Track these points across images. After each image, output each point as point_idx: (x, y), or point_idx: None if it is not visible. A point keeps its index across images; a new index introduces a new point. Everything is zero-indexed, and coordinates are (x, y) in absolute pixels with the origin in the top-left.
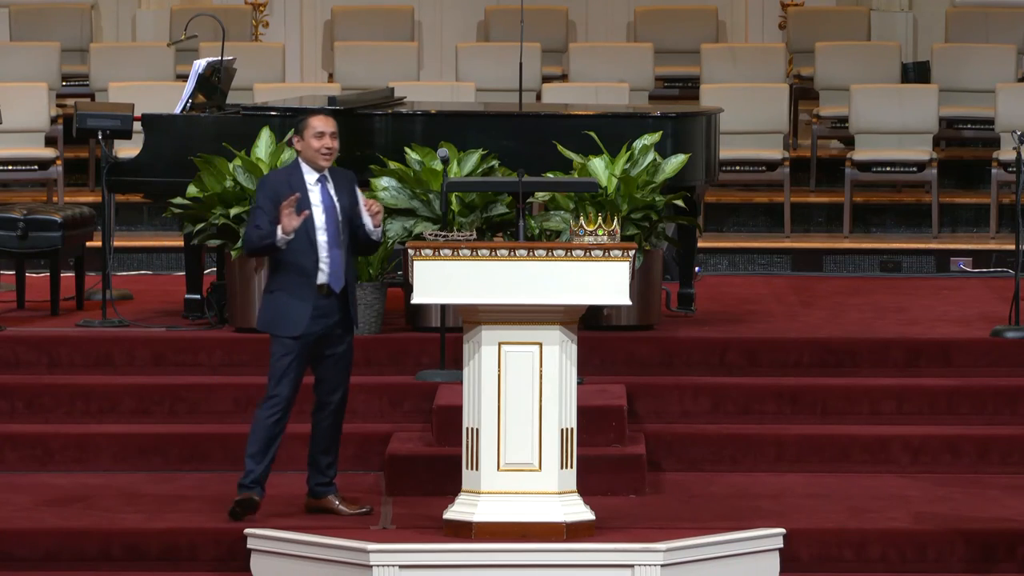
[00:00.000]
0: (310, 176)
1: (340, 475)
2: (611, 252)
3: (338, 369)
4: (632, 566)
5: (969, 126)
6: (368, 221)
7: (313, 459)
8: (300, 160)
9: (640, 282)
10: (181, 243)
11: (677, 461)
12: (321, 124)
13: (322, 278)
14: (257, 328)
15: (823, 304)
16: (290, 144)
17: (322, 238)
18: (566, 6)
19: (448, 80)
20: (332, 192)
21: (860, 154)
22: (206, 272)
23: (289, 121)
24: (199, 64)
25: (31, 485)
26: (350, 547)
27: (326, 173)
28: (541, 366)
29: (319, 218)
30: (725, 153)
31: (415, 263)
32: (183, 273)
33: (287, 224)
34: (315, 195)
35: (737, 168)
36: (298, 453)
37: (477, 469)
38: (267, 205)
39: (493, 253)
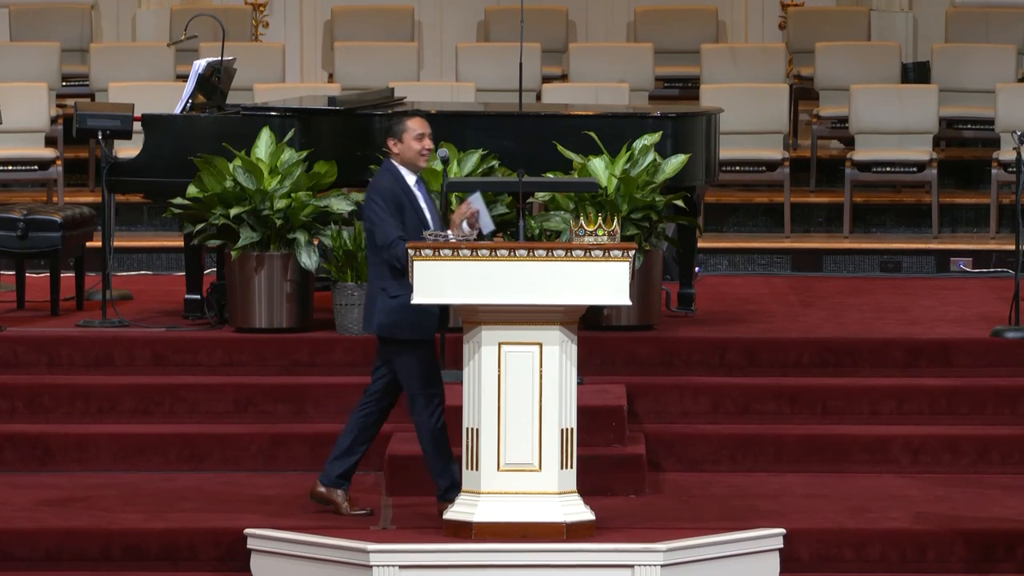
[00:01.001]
0: (410, 178)
1: None
2: (611, 252)
3: None
4: (632, 566)
5: (969, 126)
6: (477, 225)
7: (346, 449)
8: (394, 163)
9: (640, 282)
10: (181, 243)
11: (677, 461)
12: (420, 126)
13: None
14: (374, 333)
15: (823, 304)
16: (383, 149)
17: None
18: (566, 6)
19: (448, 80)
20: (428, 192)
21: (860, 154)
22: (206, 272)
23: (289, 121)
24: (199, 64)
25: (31, 485)
26: (350, 547)
27: (420, 176)
28: (541, 366)
29: (428, 216)
30: (725, 153)
31: (415, 263)
32: (183, 273)
33: (455, 229)
34: (419, 197)
35: (737, 168)
36: (297, 453)
37: (477, 469)
38: (395, 213)
39: (493, 253)
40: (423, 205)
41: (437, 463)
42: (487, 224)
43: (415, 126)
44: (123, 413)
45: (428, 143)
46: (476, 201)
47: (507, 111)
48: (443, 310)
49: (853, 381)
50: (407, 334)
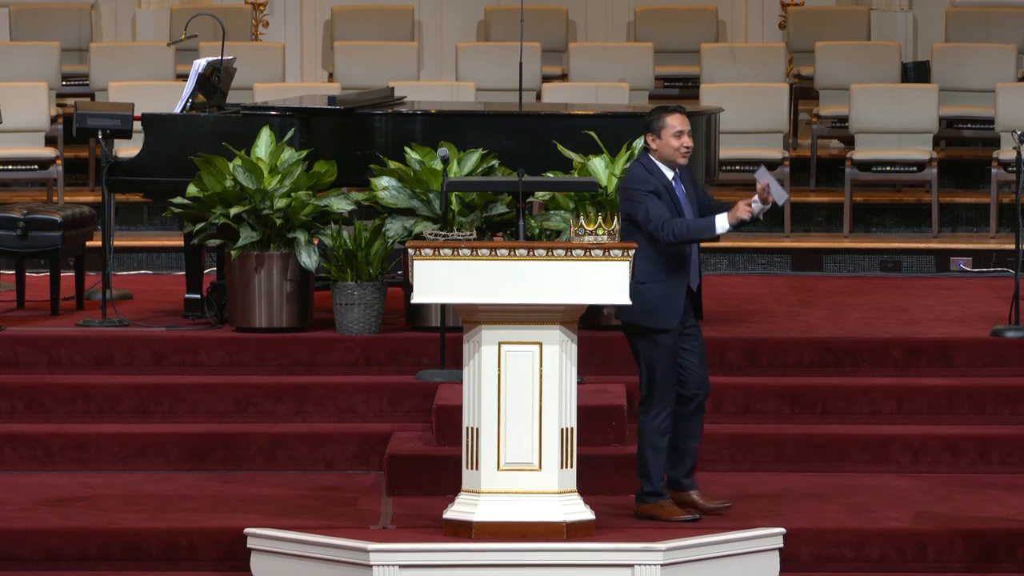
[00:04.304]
0: (668, 173)
1: (339, 474)
2: (611, 252)
3: (699, 362)
4: (632, 566)
5: (969, 126)
6: (770, 198)
7: (680, 454)
8: (652, 158)
9: None
10: (181, 243)
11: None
12: (679, 123)
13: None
14: (619, 319)
15: (823, 304)
16: (644, 144)
17: None
18: (566, 6)
19: (448, 80)
20: (684, 188)
21: (860, 154)
22: (206, 272)
23: (289, 121)
24: (199, 64)
25: (31, 485)
26: (350, 547)
27: (678, 170)
28: (541, 366)
29: (686, 214)
30: (725, 153)
31: (415, 263)
32: (183, 273)
33: (745, 215)
34: (678, 192)
35: (737, 168)
36: (297, 453)
37: (477, 469)
38: (652, 195)
39: (493, 253)
40: (681, 200)
41: (643, 465)
42: (780, 195)
43: (674, 123)
44: (123, 413)
45: (687, 140)
46: (764, 175)
47: (507, 111)
48: (695, 301)
49: (853, 381)
50: (649, 322)
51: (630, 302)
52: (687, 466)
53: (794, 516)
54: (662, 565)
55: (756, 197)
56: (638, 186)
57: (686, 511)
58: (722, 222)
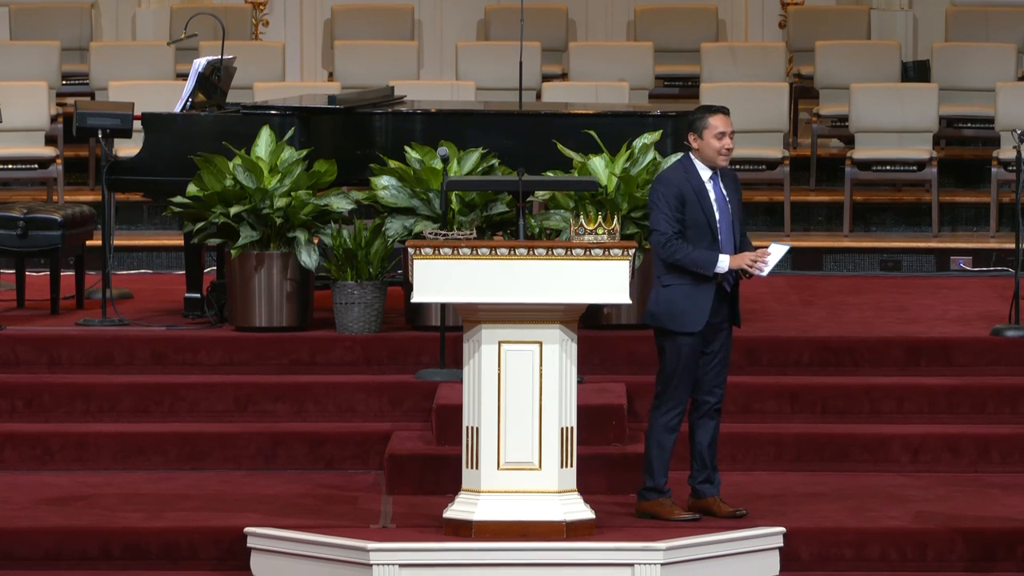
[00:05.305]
0: (704, 173)
1: (339, 474)
2: (611, 251)
3: (718, 368)
4: (632, 565)
5: (969, 125)
6: (757, 264)
7: (694, 461)
8: (693, 158)
9: (640, 281)
10: (181, 242)
11: (677, 460)
12: (722, 124)
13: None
14: (644, 322)
15: (823, 303)
16: (686, 142)
17: (720, 235)
18: (566, 5)
19: (448, 79)
20: (723, 190)
21: (860, 153)
22: (206, 271)
23: (289, 120)
24: (199, 63)
25: (31, 485)
26: (350, 546)
27: (717, 171)
28: (541, 365)
29: (717, 214)
30: None
31: (415, 262)
32: (183, 272)
33: (748, 268)
34: (711, 192)
35: (737, 167)
36: (297, 452)
37: (477, 468)
38: (672, 202)
39: (493, 252)
40: (713, 201)
41: (648, 461)
42: (762, 271)
43: (717, 123)
44: (123, 412)
45: (728, 142)
46: (777, 250)
47: (507, 110)
48: (730, 306)
49: (853, 380)
50: (673, 325)
51: (630, 301)
52: (703, 474)
53: (794, 516)
54: (662, 564)
55: (759, 253)
56: (660, 188)
57: (688, 511)
58: (723, 264)
